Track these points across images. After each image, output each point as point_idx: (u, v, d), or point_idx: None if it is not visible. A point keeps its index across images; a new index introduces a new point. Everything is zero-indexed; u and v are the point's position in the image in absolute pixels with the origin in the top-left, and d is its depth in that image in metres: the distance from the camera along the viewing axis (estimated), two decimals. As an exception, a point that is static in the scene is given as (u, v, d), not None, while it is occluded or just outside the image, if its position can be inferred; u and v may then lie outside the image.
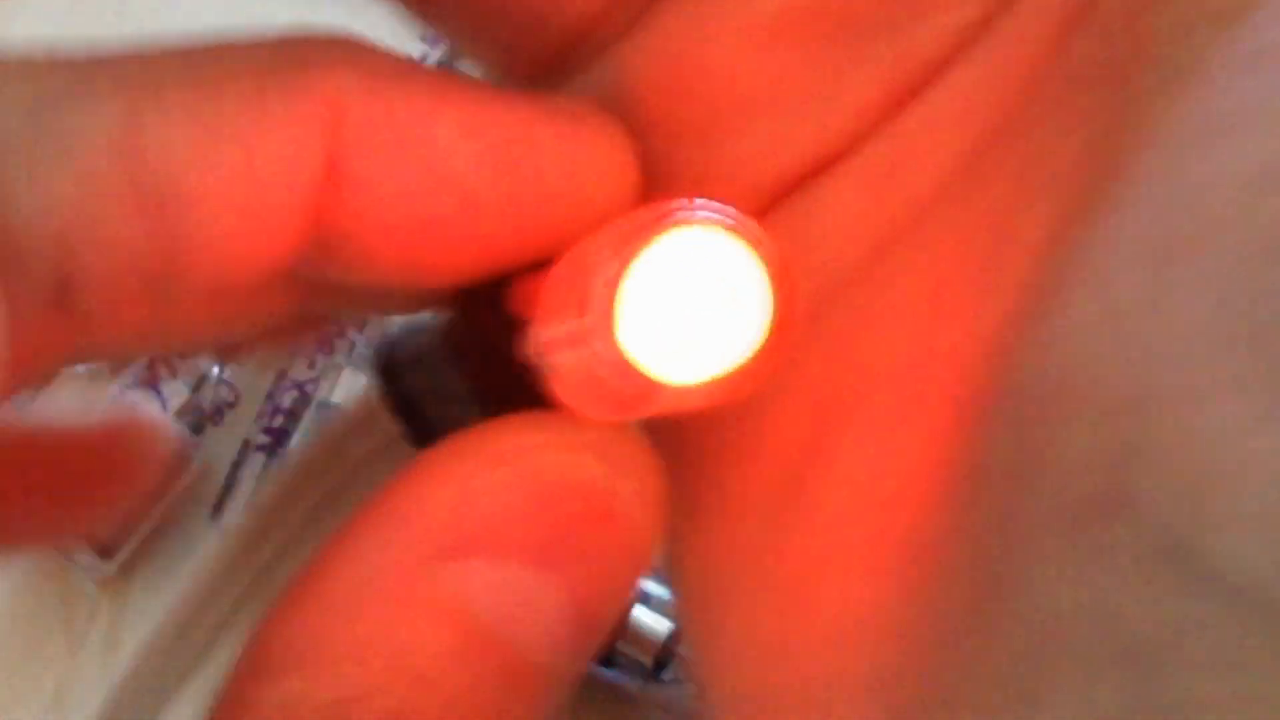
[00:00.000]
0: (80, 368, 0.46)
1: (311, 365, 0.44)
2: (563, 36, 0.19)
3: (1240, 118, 0.13)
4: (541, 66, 0.19)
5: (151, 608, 0.44)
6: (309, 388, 0.44)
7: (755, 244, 0.16)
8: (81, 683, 0.43)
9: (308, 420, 0.44)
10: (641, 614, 0.41)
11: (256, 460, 0.44)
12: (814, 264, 0.18)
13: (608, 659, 0.41)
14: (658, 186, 0.18)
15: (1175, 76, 0.15)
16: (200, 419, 0.44)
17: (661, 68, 0.18)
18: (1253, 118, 0.13)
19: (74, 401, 0.21)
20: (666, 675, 0.41)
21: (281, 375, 0.45)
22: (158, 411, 0.44)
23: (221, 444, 0.45)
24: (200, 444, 0.44)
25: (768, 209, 0.18)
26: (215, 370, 0.45)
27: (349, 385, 0.44)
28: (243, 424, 0.45)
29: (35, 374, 0.16)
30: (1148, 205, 0.14)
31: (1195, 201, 0.13)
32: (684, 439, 0.18)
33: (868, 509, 0.16)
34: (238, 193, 0.15)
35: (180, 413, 0.44)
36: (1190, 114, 0.14)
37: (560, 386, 0.16)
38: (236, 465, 0.44)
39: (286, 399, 0.44)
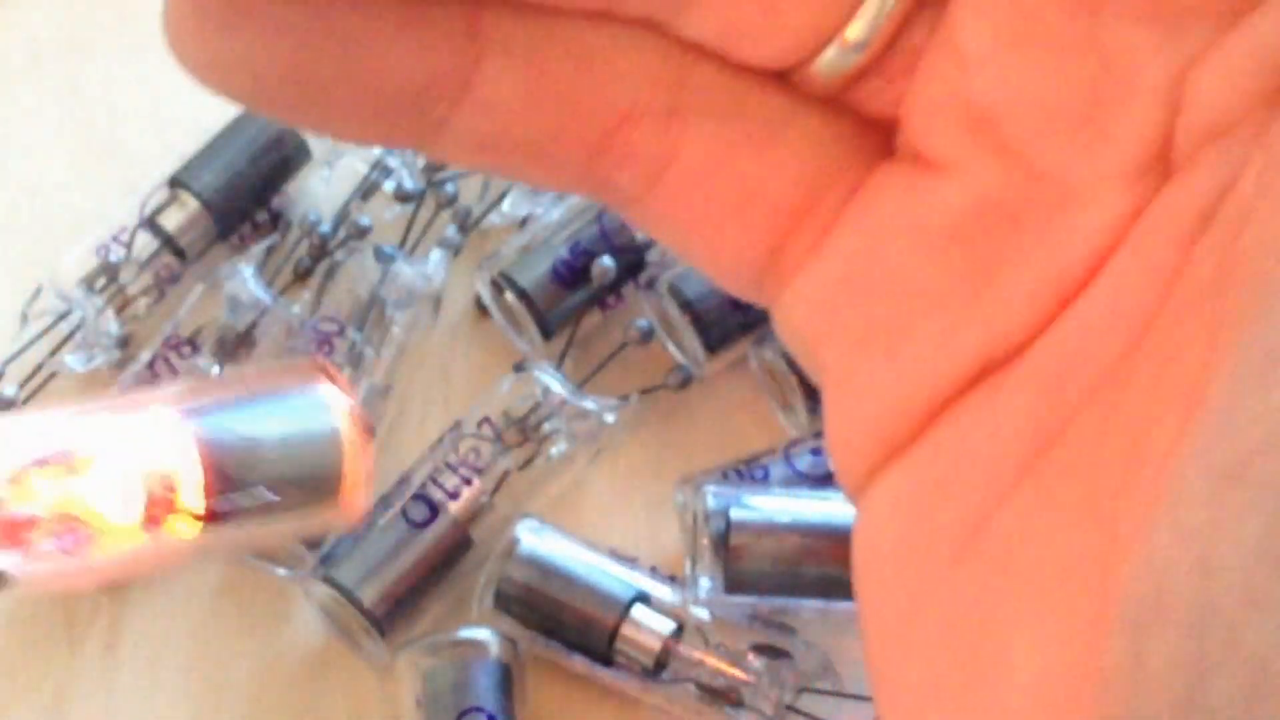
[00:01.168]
0: (79, 365, 0.46)
1: (311, 365, 0.44)
2: (762, 254, 0.20)
3: None
4: (751, 277, 0.20)
5: (151, 608, 0.44)
6: (309, 387, 0.44)
7: None
8: (81, 683, 0.43)
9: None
10: (641, 614, 0.41)
11: (256, 460, 0.43)
12: (985, 463, 0.19)
13: (608, 659, 0.41)
14: (841, 391, 0.20)
15: (1257, 297, 0.16)
16: (200, 419, 0.44)
17: (847, 272, 0.20)
18: None
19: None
20: (666, 675, 0.41)
21: (281, 375, 0.45)
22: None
23: (221, 444, 0.45)
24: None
25: (940, 413, 0.19)
26: (215, 370, 0.45)
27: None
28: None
29: None
30: (1217, 430, 0.15)
31: (1254, 428, 0.15)
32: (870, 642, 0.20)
33: (1036, 713, 0.17)
34: None
35: (180, 412, 0.44)
36: (1262, 339, 0.15)
37: None
38: (236, 465, 0.44)
39: (286, 399, 0.44)
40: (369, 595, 0.42)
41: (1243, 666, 0.14)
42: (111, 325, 0.46)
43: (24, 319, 0.46)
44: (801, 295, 0.20)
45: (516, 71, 0.18)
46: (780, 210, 0.20)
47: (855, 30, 0.19)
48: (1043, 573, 0.18)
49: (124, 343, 0.46)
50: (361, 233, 0.47)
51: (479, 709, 0.39)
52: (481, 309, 0.47)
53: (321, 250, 0.47)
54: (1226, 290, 0.17)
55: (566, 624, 0.41)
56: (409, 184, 0.47)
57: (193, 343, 0.45)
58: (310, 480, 0.18)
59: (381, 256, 0.46)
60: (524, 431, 0.43)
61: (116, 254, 0.46)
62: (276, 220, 0.47)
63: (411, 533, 0.42)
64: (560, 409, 0.43)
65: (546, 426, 0.43)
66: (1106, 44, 0.18)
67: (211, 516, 0.17)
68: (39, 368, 0.46)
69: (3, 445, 0.16)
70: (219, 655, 0.43)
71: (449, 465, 0.43)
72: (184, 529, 0.17)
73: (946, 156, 0.19)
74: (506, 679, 0.40)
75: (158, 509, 0.17)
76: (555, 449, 0.43)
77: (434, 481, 0.43)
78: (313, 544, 0.43)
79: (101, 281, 0.46)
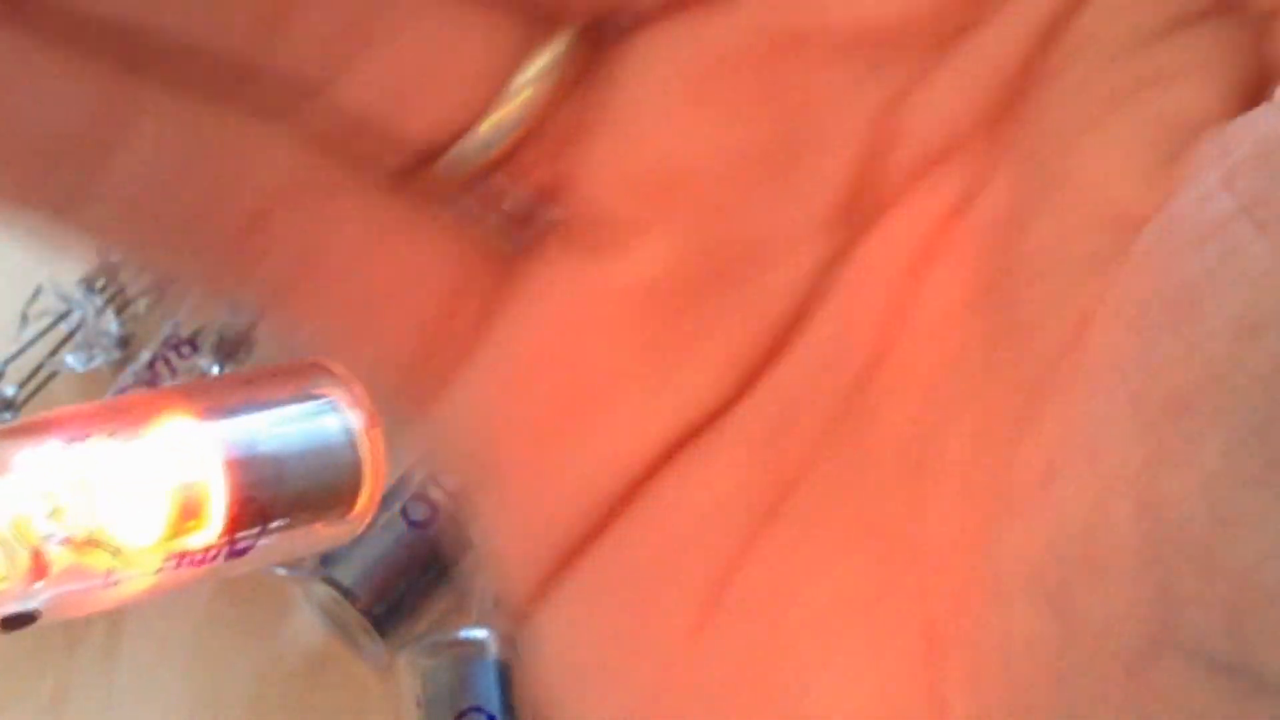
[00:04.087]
0: (79, 365, 0.46)
1: (311, 365, 0.44)
2: (413, 352, 0.19)
3: (1209, 284, 0.14)
4: (403, 379, 0.19)
5: (151, 608, 0.44)
6: (309, 387, 0.44)
7: None
8: (81, 683, 0.43)
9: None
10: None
11: (256, 460, 0.43)
12: (704, 529, 0.18)
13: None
14: (542, 470, 0.18)
15: (1085, 275, 0.16)
16: (200, 419, 0.44)
17: (529, 355, 0.18)
18: (1223, 278, 0.14)
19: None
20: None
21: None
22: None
23: (221, 444, 0.45)
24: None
25: (651, 478, 0.18)
26: (215, 370, 0.45)
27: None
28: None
29: None
30: (1127, 382, 0.15)
31: (1182, 366, 0.14)
32: None
33: None
34: None
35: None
36: (1153, 289, 0.15)
37: None
38: (236, 465, 0.44)
39: (286, 399, 0.44)
40: (369, 595, 0.42)
41: (1224, 587, 0.14)
42: (111, 325, 0.46)
43: (24, 319, 0.46)
44: (466, 394, 0.19)
45: (168, 135, 0.17)
46: (430, 304, 0.18)
47: (505, 109, 0.18)
48: (827, 608, 0.17)
49: (124, 342, 0.46)
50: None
51: (479, 709, 0.39)
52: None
53: (321, 250, 0.47)
54: (1023, 286, 0.16)
55: (566, 624, 0.41)
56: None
57: (193, 343, 0.45)
58: (330, 499, 0.17)
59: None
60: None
61: (116, 254, 0.46)
62: (276, 220, 0.47)
63: (411, 532, 0.42)
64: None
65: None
66: (800, 88, 0.18)
67: (234, 545, 0.16)
68: (39, 367, 0.46)
69: (25, 472, 0.16)
70: (219, 655, 0.43)
71: (449, 465, 0.43)
72: (206, 555, 0.16)
73: (627, 226, 0.18)
74: (506, 678, 0.40)
75: (181, 535, 0.16)
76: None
77: (434, 481, 0.43)
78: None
79: (101, 281, 0.46)
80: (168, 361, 0.45)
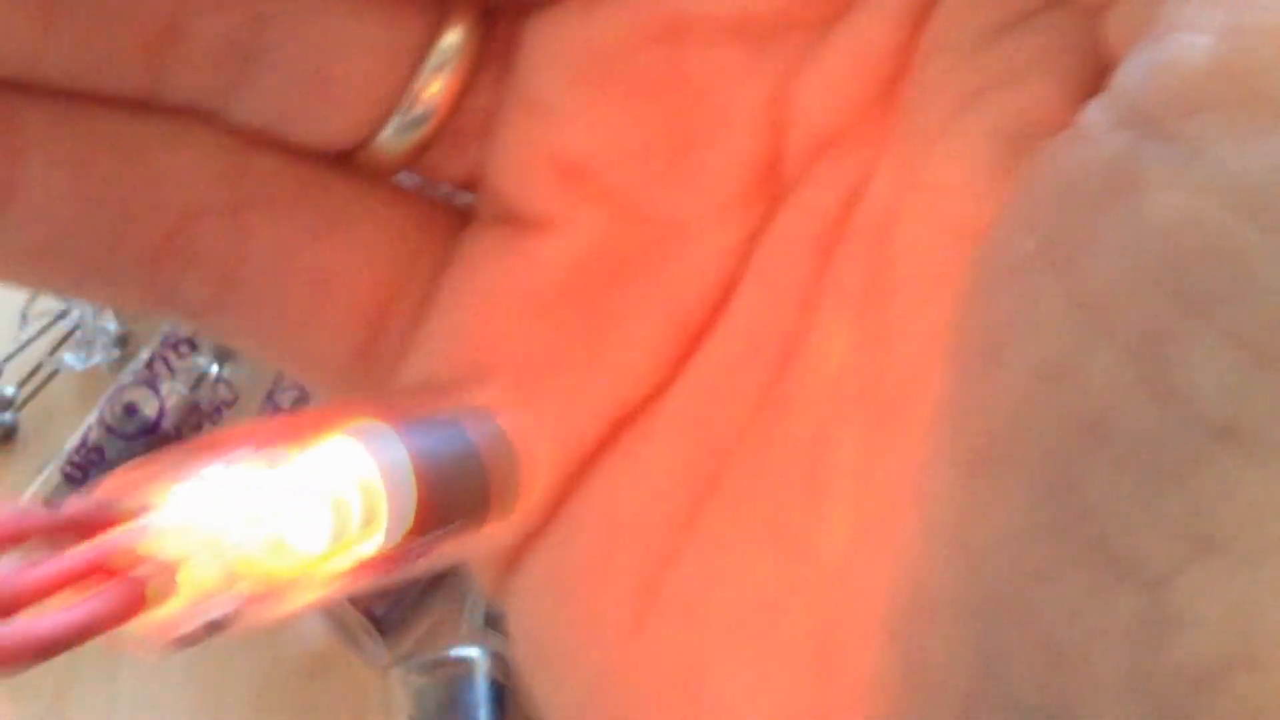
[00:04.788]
0: (78, 364, 0.46)
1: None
2: (355, 346, 0.19)
3: (1010, 330, 0.14)
4: (348, 372, 0.19)
5: (151, 608, 0.44)
6: (309, 388, 0.44)
7: None
8: (83, 682, 0.43)
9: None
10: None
11: (255, 462, 0.43)
12: (641, 520, 0.18)
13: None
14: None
15: (934, 291, 0.15)
16: (199, 418, 0.44)
17: (457, 349, 0.19)
18: (1022, 324, 0.14)
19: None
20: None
21: (281, 375, 0.45)
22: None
23: (221, 442, 0.45)
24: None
25: (587, 469, 0.18)
26: (214, 369, 0.44)
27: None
28: (242, 423, 0.44)
29: None
30: (950, 429, 0.15)
31: (989, 412, 0.14)
32: None
33: None
34: None
35: (178, 411, 0.44)
36: (968, 328, 0.15)
37: None
38: (235, 467, 0.44)
39: (286, 399, 0.44)
40: (369, 595, 0.42)
41: (1039, 645, 0.13)
42: (110, 324, 0.46)
43: (23, 318, 0.46)
44: (414, 375, 0.19)
45: (64, 171, 0.17)
46: (363, 298, 0.19)
47: (414, 102, 0.18)
48: (740, 614, 0.17)
49: (122, 341, 0.46)
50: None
51: (472, 725, 0.40)
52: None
53: (322, 246, 0.47)
54: (889, 293, 0.16)
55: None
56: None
57: (191, 342, 0.45)
58: (489, 506, 0.17)
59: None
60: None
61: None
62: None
63: (410, 535, 0.42)
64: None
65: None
66: (695, 72, 0.18)
67: (410, 549, 0.17)
68: (38, 366, 0.46)
69: (217, 485, 0.16)
70: (220, 654, 0.44)
71: (447, 470, 0.42)
72: (384, 560, 0.17)
73: (542, 212, 0.18)
74: (500, 697, 0.40)
75: (361, 541, 0.17)
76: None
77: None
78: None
79: (100, 279, 0.46)
80: (166, 360, 0.44)
